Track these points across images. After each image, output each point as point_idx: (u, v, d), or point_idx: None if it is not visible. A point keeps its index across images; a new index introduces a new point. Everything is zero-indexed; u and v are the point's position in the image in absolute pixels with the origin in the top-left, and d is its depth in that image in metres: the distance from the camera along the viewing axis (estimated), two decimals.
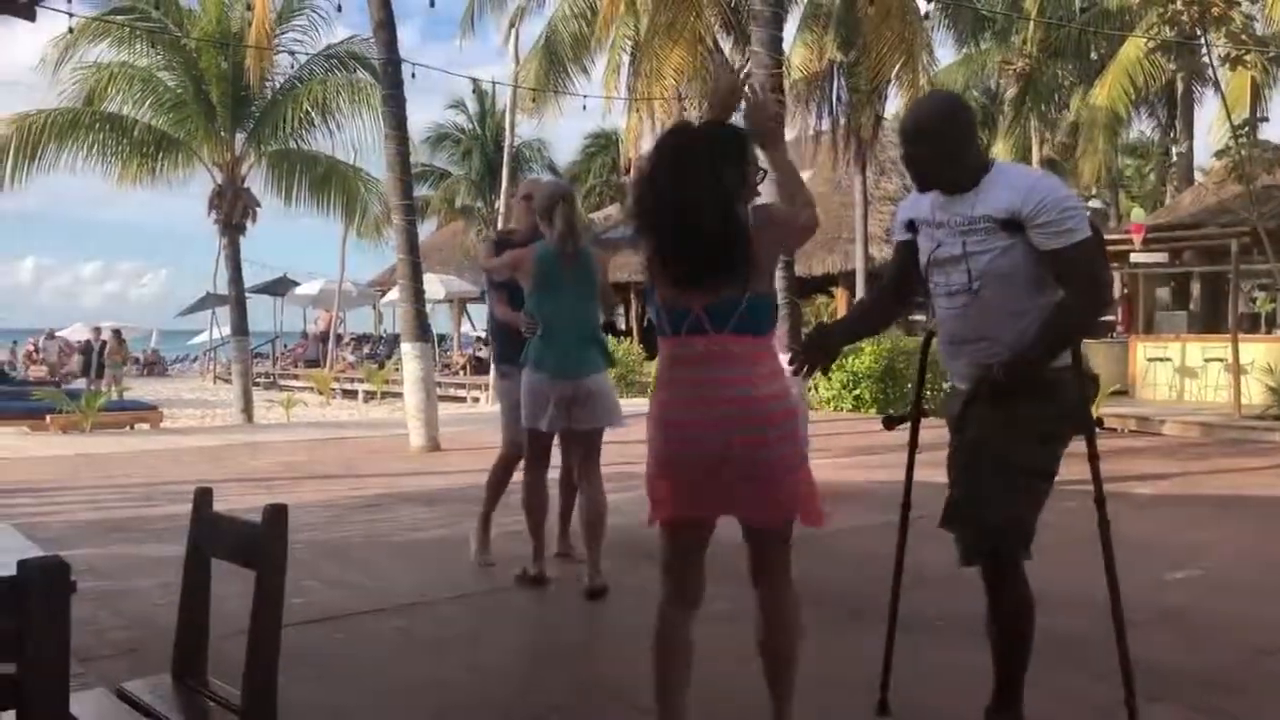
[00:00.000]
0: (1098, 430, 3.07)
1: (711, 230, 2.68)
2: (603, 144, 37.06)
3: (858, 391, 15.25)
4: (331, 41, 19.59)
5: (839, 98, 19.30)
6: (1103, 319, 3.08)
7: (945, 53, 29.78)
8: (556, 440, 5.19)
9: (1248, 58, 14.40)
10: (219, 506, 2.52)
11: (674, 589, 2.88)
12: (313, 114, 19.05)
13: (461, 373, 26.19)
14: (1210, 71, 16.05)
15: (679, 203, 2.71)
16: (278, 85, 19.45)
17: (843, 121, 19.49)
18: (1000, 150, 26.21)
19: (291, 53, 18.59)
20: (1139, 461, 9.85)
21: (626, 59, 18.24)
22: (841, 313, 22.24)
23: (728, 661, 3.25)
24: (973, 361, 2.98)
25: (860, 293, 20.04)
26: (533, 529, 5.12)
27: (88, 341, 29.03)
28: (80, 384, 24.70)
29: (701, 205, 2.68)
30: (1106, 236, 15.42)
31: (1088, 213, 2.91)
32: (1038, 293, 2.88)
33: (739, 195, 2.73)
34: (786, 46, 15.08)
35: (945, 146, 2.96)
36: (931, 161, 2.98)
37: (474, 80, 33.49)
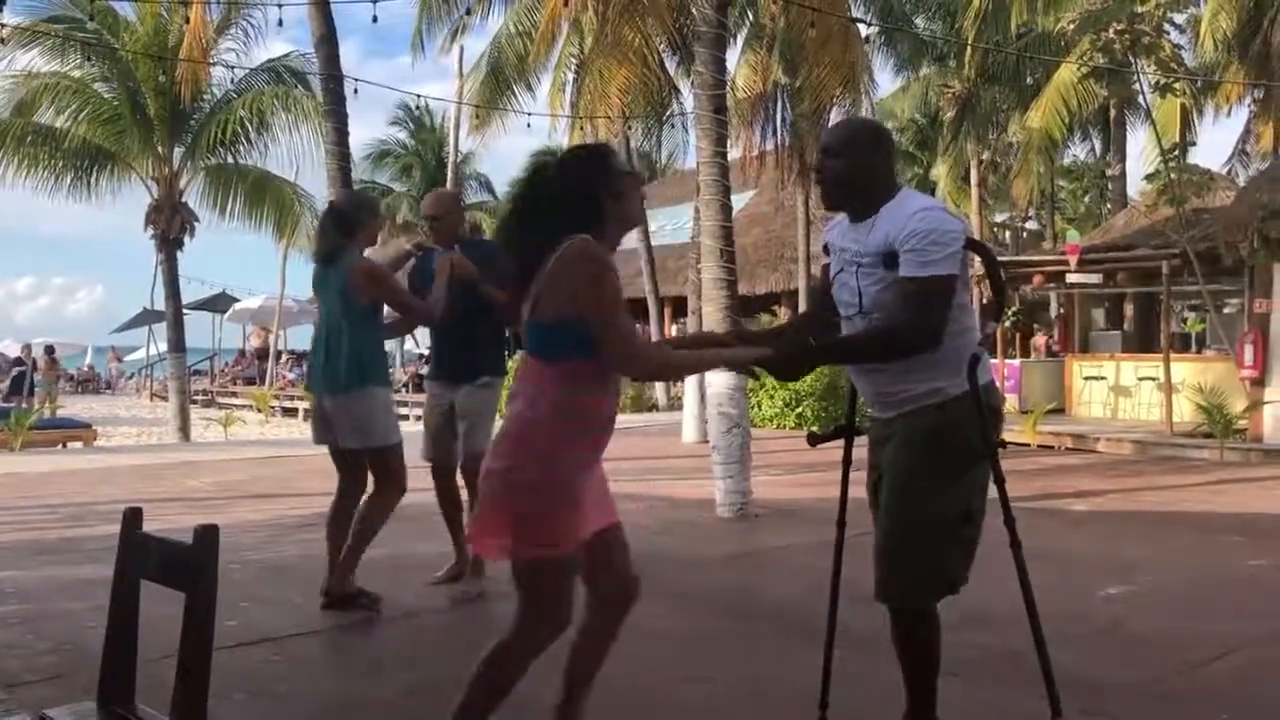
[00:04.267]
0: (1025, 447, 3.12)
1: (512, 271, 2.85)
2: (547, 159, 36.96)
3: (799, 409, 15.37)
4: (271, 56, 19.44)
5: (783, 119, 19.51)
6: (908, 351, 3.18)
7: (885, 77, 30.24)
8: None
9: (1177, 85, 14.81)
10: (154, 527, 2.47)
11: None
12: (251, 129, 18.83)
13: (404, 390, 25.95)
14: (1141, 98, 16.47)
15: (506, 234, 2.92)
16: (216, 99, 19.20)
17: (786, 142, 19.71)
18: (939, 171, 26.68)
19: (230, 66, 18.37)
20: (1074, 478, 10.02)
21: (571, 77, 18.29)
22: None
23: (660, 677, 3.24)
24: (880, 390, 3.03)
25: (803, 310, 20.23)
26: (329, 553, 4.94)
27: (18, 358, 28.28)
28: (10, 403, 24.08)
29: (513, 241, 2.85)
30: (1043, 257, 15.65)
31: (955, 254, 2.86)
32: None
33: (583, 222, 2.73)
34: (731, 67, 15.24)
35: (851, 168, 2.99)
36: (836, 180, 3.02)
37: (416, 96, 33.40)
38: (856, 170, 2.99)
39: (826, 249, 3.20)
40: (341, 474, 5.03)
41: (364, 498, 4.96)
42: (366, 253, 5.04)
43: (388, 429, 4.91)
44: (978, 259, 3.28)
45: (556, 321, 2.69)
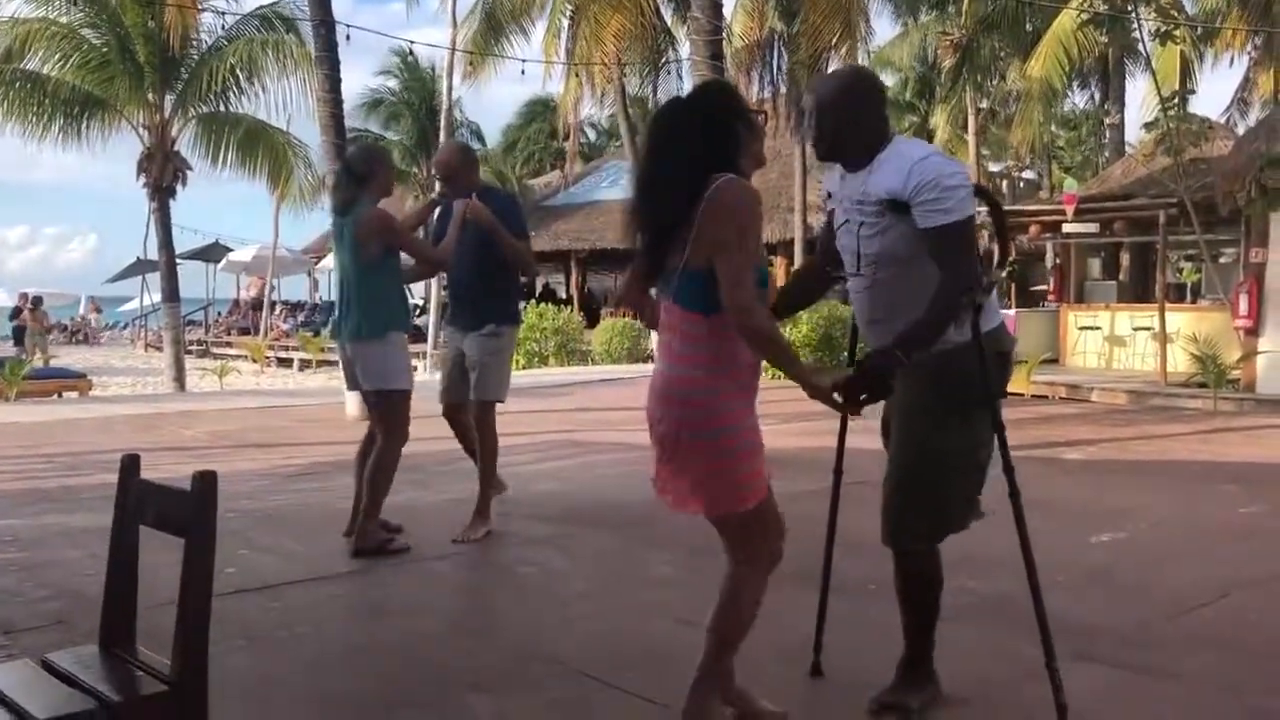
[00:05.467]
0: (1019, 396, 3.12)
1: (659, 209, 2.68)
2: (539, 109, 36.66)
3: None
4: (261, 2, 19.14)
5: (779, 66, 19.34)
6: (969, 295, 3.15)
7: (883, 25, 29.93)
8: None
9: (1177, 33, 14.67)
10: (151, 476, 2.48)
11: None
12: (242, 77, 18.63)
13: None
14: (1141, 45, 16.32)
15: (641, 177, 2.76)
16: (207, 45, 18.97)
17: (783, 91, 19.55)
18: (938, 120, 26.47)
19: (220, 13, 18.14)
20: (1068, 427, 10.07)
21: (566, 23, 18.10)
22: (781, 281, 22.40)
23: (666, 622, 3.27)
24: (881, 340, 3.00)
25: (799, 261, 20.18)
26: (355, 493, 5.17)
27: (17, 307, 28.26)
28: (10, 351, 24.08)
29: (654, 182, 2.70)
30: (1040, 206, 15.55)
31: (969, 194, 2.87)
32: (934, 276, 2.87)
33: (724, 159, 2.65)
34: (727, 13, 15.06)
35: (840, 118, 2.97)
36: (827, 132, 3.00)
37: (409, 42, 32.98)
38: (848, 121, 2.97)
39: (829, 196, 3.19)
40: (371, 418, 5.21)
41: (372, 451, 5.07)
42: (383, 203, 5.12)
43: (400, 373, 5.05)
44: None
45: (710, 269, 2.59)
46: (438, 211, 5.61)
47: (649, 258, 2.75)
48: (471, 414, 5.42)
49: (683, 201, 2.61)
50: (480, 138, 33.85)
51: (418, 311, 27.25)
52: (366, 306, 4.96)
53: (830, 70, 3.28)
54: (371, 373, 5.01)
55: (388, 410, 5.04)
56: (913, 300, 2.87)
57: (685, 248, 2.61)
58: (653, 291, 2.88)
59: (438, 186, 5.66)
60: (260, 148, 19.33)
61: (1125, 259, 18.67)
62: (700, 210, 2.58)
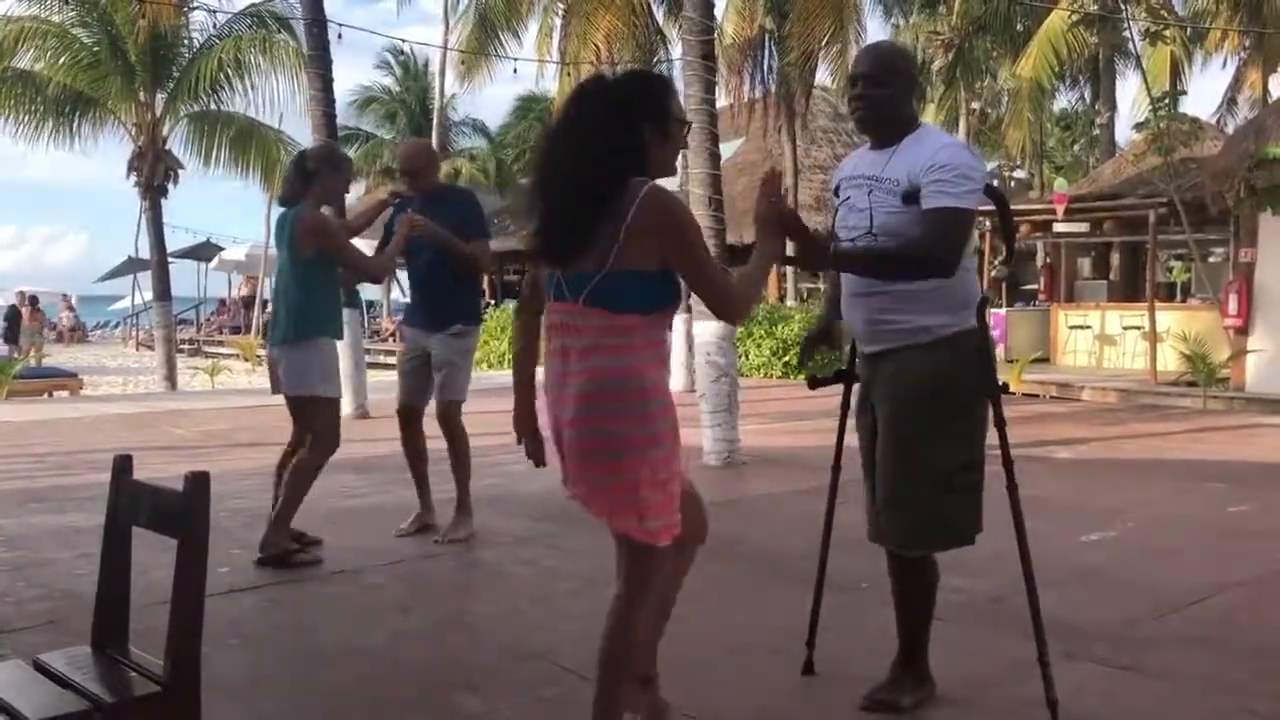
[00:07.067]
0: (1010, 395, 3.13)
1: (566, 206, 2.51)
2: (532, 105, 36.71)
3: (787, 358, 15.41)
4: (253, 0, 19.07)
5: (770, 66, 19.35)
6: (929, 275, 3.20)
7: (874, 25, 29.89)
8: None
9: (1167, 33, 14.72)
10: (142, 475, 2.47)
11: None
12: (233, 75, 18.58)
13: (391, 339, 25.91)
14: (1131, 45, 16.37)
15: (544, 171, 2.60)
16: (198, 44, 18.93)
17: (774, 90, 19.56)
18: (929, 120, 26.49)
19: (212, 10, 18.09)
20: (1059, 426, 10.09)
21: (559, 22, 18.09)
22: (770, 281, 22.41)
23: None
24: (870, 317, 3.02)
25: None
26: (274, 500, 5.01)
27: (13, 307, 28.11)
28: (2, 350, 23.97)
29: (562, 178, 2.53)
30: (1030, 206, 15.54)
31: (978, 190, 2.93)
32: None
33: (632, 159, 2.51)
34: (719, 13, 15.06)
35: (890, 92, 3.02)
36: (875, 103, 3.03)
37: (401, 41, 32.95)
38: (892, 95, 3.02)
39: (837, 190, 3.18)
40: (294, 424, 5.07)
41: (296, 455, 4.95)
42: (350, 199, 5.04)
43: (325, 381, 4.90)
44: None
45: (647, 271, 2.47)
46: (389, 210, 5.46)
47: (553, 257, 2.58)
48: (438, 415, 5.34)
49: (588, 202, 2.46)
50: (488, 135, 33.80)
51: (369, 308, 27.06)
52: (295, 309, 4.83)
53: (871, 44, 3.33)
54: (292, 377, 4.86)
55: (315, 418, 4.89)
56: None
57: (611, 249, 2.44)
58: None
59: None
60: (252, 146, 19.29)
61: (1115, 258, 18.73)
62: (630, 218, 2.43)
